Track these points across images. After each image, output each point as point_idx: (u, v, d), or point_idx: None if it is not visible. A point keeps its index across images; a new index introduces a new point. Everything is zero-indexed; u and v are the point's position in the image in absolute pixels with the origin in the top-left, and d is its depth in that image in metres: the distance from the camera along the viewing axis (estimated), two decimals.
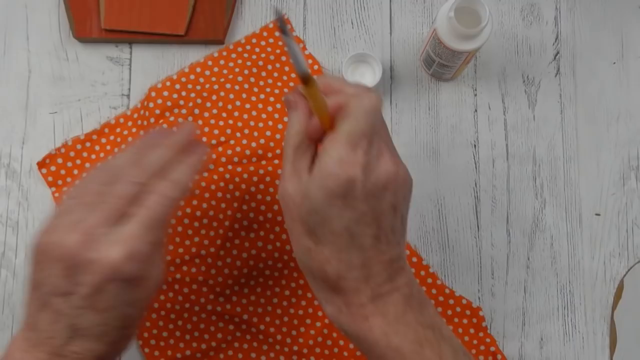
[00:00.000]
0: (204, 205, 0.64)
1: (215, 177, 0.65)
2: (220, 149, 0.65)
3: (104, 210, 0.48)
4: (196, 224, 0.65)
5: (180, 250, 0.64)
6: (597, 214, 0.68)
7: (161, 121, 0.65)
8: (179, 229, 0.65)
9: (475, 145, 0.69)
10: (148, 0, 0.67)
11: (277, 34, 0.69)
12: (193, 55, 0.69)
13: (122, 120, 0.68)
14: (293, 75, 0.68)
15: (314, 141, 0.49)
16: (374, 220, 0.48)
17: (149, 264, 0.49)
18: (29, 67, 0.68)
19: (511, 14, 0.71)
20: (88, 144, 0.67)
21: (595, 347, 0.66)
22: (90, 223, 0.48)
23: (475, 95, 0.69)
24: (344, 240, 0.47)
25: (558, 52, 0.70)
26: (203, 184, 0.64)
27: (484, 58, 0.70)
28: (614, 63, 0.70)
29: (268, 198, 0.65)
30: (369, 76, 0.67)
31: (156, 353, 0.64)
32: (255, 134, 0.66)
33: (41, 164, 0.66)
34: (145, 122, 0.66)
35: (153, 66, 0.69)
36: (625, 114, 0.70)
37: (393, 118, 0.69)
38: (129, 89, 0.68)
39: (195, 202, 0.65)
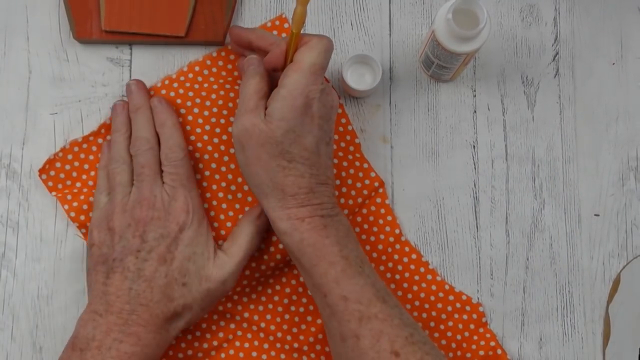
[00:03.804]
0: (205, 205, 0.64)
1: (217, 176, 0.65)
2: (222, 147, 0.65)
3: (146, 180, 0.60)
4: None
5: None
6: (596, 215, 0.68)
7: None
8: None
9: (474, 146, 0.69)
10: (148, 1, 0.67)
11: (274, 32, 0.69)
12: (193, 56, 0.69)
13: None
14: None
15: (272, 71, 0.59)
16: (329, 141, 0.59)
17: (199, 216, 0.60)
18: (29, 67, 0.68)
19: (510, 15, 0.71)
20: (85, 146, 0.67)
21: (595, 347, 0.66)
22: (145, 193, 0.59)
23: (475, 96, 0.70)
24: (314, 156, 0.57)
25: (557, 53, 0.70)
26: (205, 184, 0.64)
27: (483, 59, 0.70)
28: (613, 64, 0.70)
29: None
30: (369, 77, 0.68)
31: None
32: None
33: (42, 170, 0.66)
34: None
35: (153, 67, 0.69)
36: (625, 115, 0.70)
37: (392, 119, 0.69)
38: None
39: None
